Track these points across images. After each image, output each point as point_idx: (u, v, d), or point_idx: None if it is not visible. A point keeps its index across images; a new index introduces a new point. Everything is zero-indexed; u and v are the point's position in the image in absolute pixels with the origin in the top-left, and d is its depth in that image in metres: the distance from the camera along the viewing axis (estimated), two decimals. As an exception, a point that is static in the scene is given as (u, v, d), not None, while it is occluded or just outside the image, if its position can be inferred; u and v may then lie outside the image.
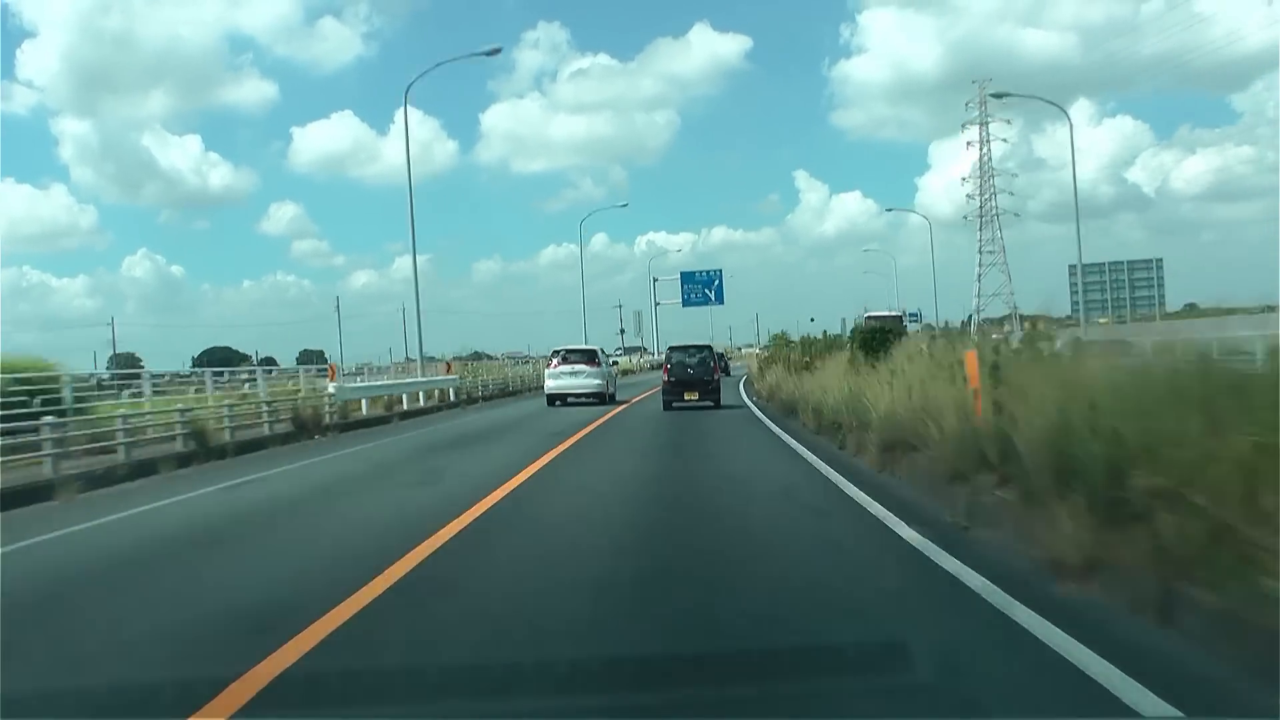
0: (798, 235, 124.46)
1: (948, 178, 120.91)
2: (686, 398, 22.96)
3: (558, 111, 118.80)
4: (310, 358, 31.35)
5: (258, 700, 3.64)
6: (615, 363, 33.21)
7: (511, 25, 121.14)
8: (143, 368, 21.25)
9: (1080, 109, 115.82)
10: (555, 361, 28.80)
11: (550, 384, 28.44)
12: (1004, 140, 78.58)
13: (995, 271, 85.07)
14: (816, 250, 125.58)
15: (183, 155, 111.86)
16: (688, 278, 62.53)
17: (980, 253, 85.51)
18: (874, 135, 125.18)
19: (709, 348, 25.44)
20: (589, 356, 28.91)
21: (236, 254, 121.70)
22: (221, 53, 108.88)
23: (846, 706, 3.52)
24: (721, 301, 62.36)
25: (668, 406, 22.82)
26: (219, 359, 55.61)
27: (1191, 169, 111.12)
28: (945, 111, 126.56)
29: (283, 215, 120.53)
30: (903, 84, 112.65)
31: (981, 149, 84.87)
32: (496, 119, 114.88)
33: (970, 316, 33.03)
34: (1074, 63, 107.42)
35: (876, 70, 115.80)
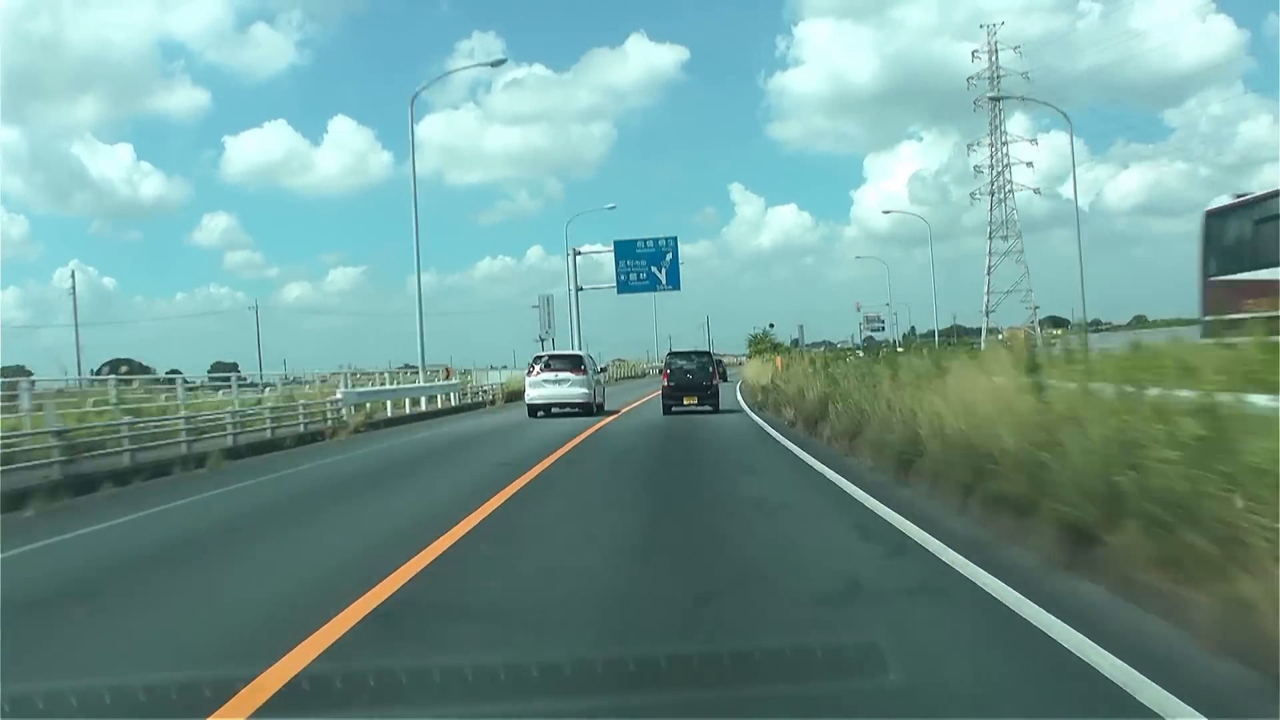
0: (733, 248, 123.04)
1: (883, 191, 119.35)
2: (685, 402, 23.54)
3: (493, 123, 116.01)
4: (224, 369, 27.63)
5: None
6: (603, 370, 29.34)
7: (446, 34, 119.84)
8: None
9: (1016, 123, 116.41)
10: (536, 369, 25.08)
11: (531, 393, 24.79)
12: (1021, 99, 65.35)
13: (1008, 265, 77.72)
14: (753, 263, 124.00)
15: (114, 164, 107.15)
16: (625, 250, 42.71)
17: (990, 238, 78.27)
18: (811, 148, 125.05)
19: (708, 354, 26.79)
20: (574, 363, 25.12)
21: (169, 265, 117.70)
22: (153, 58, 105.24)
23: None
24: (676, 285, 43.44)
25: (667, 411, 23.37)
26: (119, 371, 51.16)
27: (1125, 184, 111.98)
28: (882, 125, 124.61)
29: (215, 226, 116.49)
30: (840, 97, 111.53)
31: (994, 113, 77.61)
32: (431, 130, 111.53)
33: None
34: (1010, 77, 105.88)
35: (813, 82, 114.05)
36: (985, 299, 77.75)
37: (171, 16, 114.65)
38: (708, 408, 23.54)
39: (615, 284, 42.95)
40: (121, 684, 3.82)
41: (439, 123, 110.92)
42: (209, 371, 17.08)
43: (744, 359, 74.01)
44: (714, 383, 24.43)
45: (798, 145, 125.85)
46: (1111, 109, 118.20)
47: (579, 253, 44.15)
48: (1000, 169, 78.83)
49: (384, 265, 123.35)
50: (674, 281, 42.91)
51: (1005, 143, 79.14)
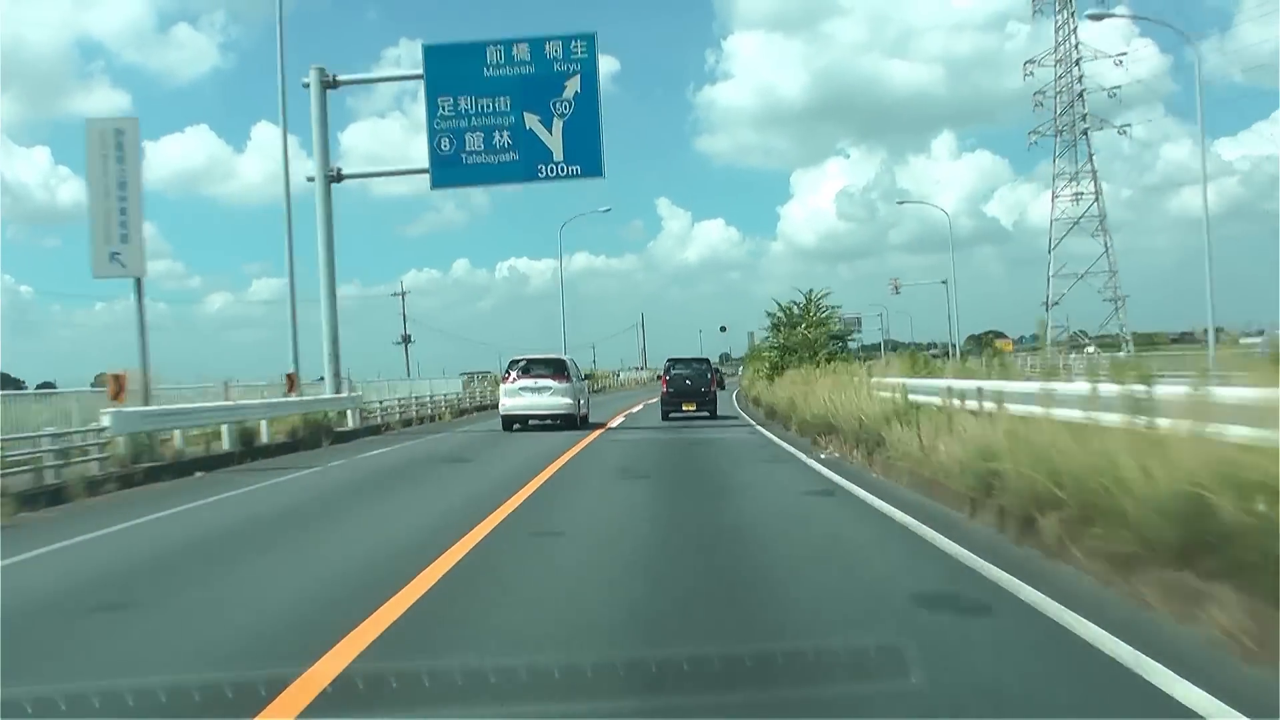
0: (660, 262, 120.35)
1: (810, 207, 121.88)
2: (684, 408, 24.22)
3: (420, 132, 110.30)
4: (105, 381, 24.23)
5: None
6: (588, 377, 26.67)
7: (373, 41, 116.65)
8: None
9: (943, 142, 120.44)
10: (513, 375, 22.35)
11: (506, 403, 22.13)
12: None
13: (1077, 240, 64.81)
14: (679, 277, 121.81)
15: (30, 168, 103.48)
16: (454, 66, 23.04)
17: (1055, 195, 66.07)
18: (740, 162, 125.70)
19: (706, 361, 27.09)
20: (556, 369, 22.42)
21: (89, 274, 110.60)
22: (71, 58, 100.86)
23: None
24: (596, 169, 22.94)
25: (666, 416, 24.25)
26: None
27: (1048, 203, 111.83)
28: (811, 140, 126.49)
29: None
30: (769, 110, 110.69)
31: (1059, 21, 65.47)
32: (357, 138, 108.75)
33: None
34: (940, 95, 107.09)
35: (742, 96, 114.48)
36: (1048, 287, 65.66)
37: (90, 15, 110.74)
38: (705, 414, 24.19)
39: (428, 159, 23.07)
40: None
41: (365, 131, 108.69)
42: (92, 385, 14.55)
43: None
44: (712, 390, 24.97)
45: (726, 159, 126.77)
46: (1039, 127, 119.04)
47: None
48: (1069, 69, 66.10)
49: (309, 276, 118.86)
50: (587, 159, 22.73)
51: (1076, 48, 66.17)
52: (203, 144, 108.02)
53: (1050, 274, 66.50)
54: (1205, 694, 3.45)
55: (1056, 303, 65.02)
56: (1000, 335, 58.24)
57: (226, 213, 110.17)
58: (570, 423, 21.75)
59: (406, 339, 66.86)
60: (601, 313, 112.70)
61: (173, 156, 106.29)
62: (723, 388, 54.77)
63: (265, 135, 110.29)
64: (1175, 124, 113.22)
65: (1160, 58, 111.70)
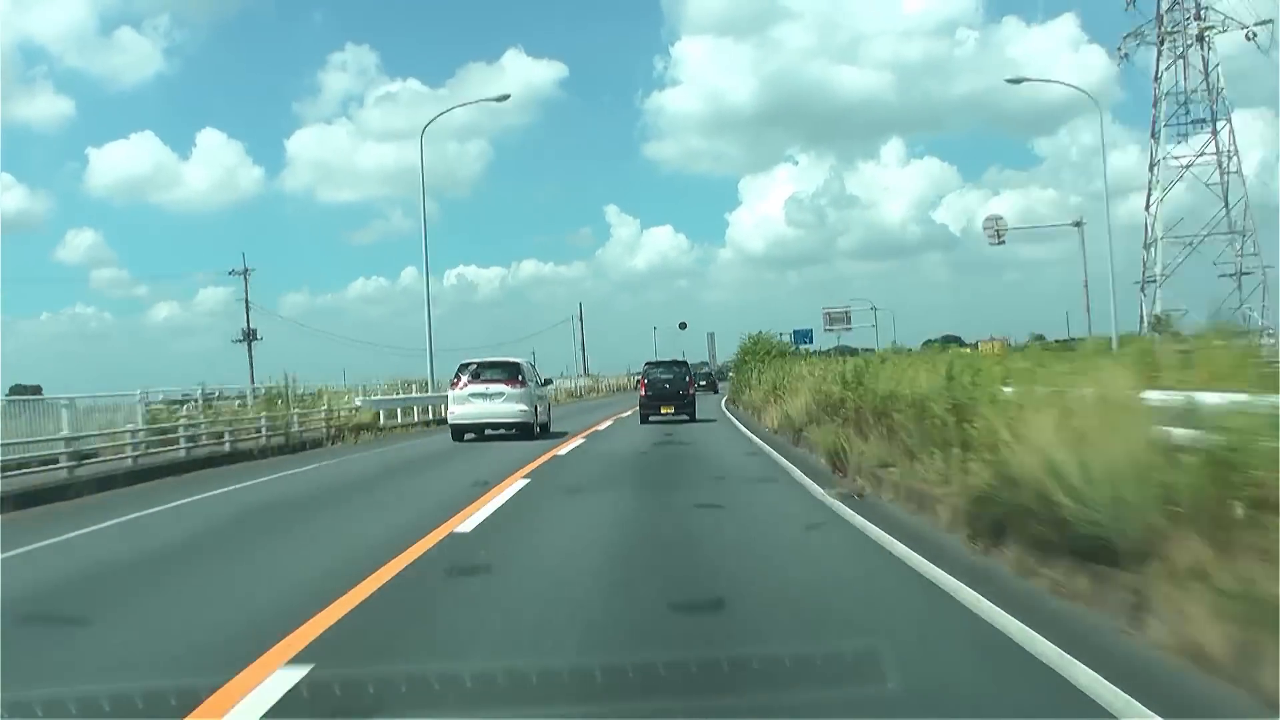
0: (609, 270, 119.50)
1: (759, 213, 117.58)
2: (663, 411, 23.88)
3: (366, 139, 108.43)
4: (23, 392, 22.40)
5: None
6: (548, 382, 24.66)
7: (319, 45, 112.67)
8: None
9: (892, 148, 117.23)
10: (463, 380, 20.31)
11: (455, 410, 20.13)
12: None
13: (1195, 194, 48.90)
14: (628, 285, 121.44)
15: None
16: None
17: (1156, 130, 49.69)
18: (688, 169, 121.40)
19: (685, 364, 27.75)
20: (510, 373, 20.41)
21: (33, 283, 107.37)
22: (13, 62, 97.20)
23: None
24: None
25: (644, 420, 23.84)
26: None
27: (997, 210, 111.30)
28: (759, 146, 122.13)
29: (80, 242, 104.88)
30: (718, 116, 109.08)
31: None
32: (303, 145, 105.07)
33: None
34: (889, 101, 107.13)
35: (691, 101, 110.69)
36: (1149, 258, 50.09)
37: (29, 17, 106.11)
38: (684, 416, 23.98)
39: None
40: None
41: (311, 137, 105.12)
42: (7, 395, 12.83)
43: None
44: (690, 392, 24.83)
45: (675, 165, 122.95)
46: (987, 135, 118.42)
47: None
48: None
49: (256, 284, 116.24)
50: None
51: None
52: (147, 151, 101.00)
53: (1152, 239, 50.52)
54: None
55: (1166, 276, 49.30)
56: (954, 340, 56.02)
57: (172, 220, 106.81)
58: (526, 432, 19.82)
59: (250, 335, 54.47)
60: (550, 320, 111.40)
61: (118, 163, 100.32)
62: (716, 391, 52.58)
63: (211, 142, 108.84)
64: (1122, 131, 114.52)
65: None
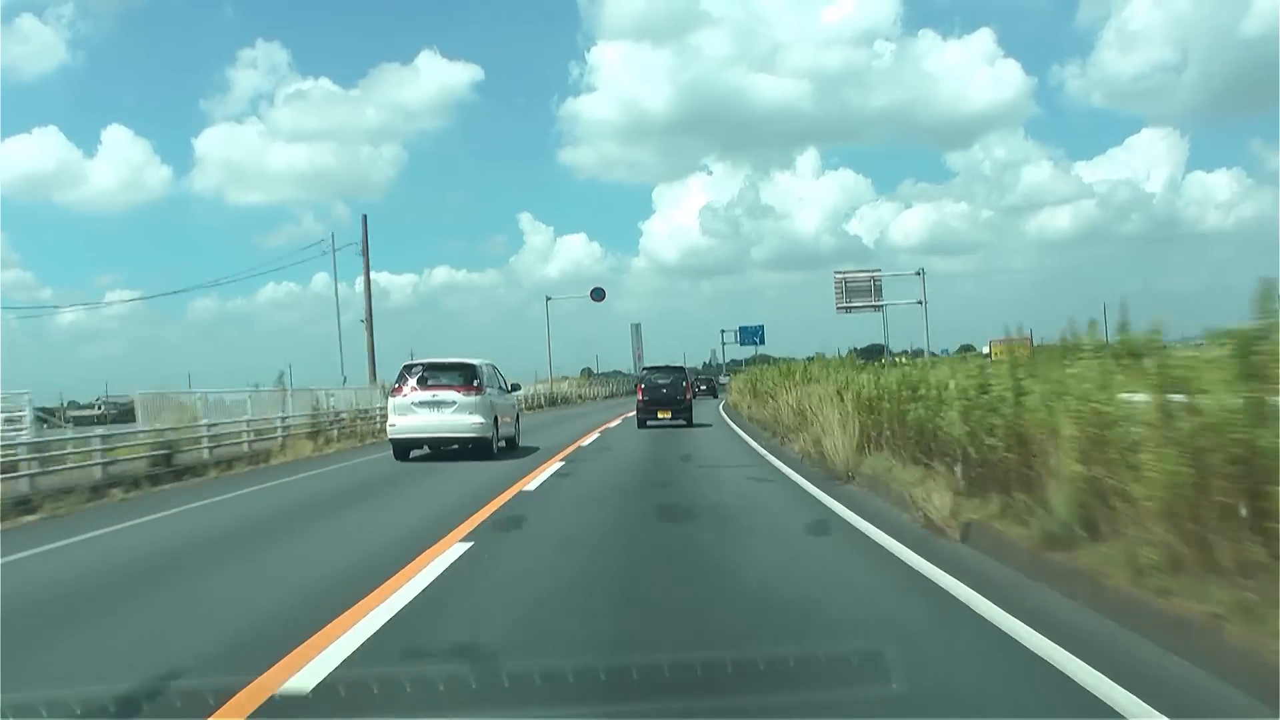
0: (522, 278, 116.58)
1: (673, 222, 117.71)
2: (660, 416, 23.95)
3: (276, 139, 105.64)
4: None
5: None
6: (515, 387, 20.87)
7: (229, 41, 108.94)
8: None
9: (808, 159, 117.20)
10: (408, 384, 16.45)
11: (397, 422, 16.30)
12: None
13: None
14: (541, 293, 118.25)
15: None
16: None
17: None
18: (604, 176, 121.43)
19: (682, 369, 27.98)
20: (464, 376, 16.55)
21: None
22: None
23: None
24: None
25: (642, 424, 24.00)
26: None
27: (910, 222, 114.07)
28: (674, 154, 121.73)
29: None
30: (633, 124, 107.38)
31: None
32: (211, 144, 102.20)
33: None
34: (806, 110, 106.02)
35: (607, 108, 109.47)
36: None
37: None
38: (681, 421, 23.97)
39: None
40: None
41: (220, 136, 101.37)
42: None
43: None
44: (687, 397, 24.82)
45: (590, 172, 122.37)
46: (903, 147, 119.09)
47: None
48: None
49: (164, 288, 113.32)
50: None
51: None
52: (51, 147, 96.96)
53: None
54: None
55: None
56: (878, 349, 53.61)
57: (77, 221, 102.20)
58: (483, 449, 16.08)
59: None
60: (464, 328, 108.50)
61: (19, 159, 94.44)
62: (715, 395, 53.27)
63: (117, 139, 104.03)
64: (1035, 146, 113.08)
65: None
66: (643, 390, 24.65)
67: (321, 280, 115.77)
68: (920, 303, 47.22)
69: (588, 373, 78.49)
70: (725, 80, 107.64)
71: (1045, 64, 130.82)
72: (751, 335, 79.83)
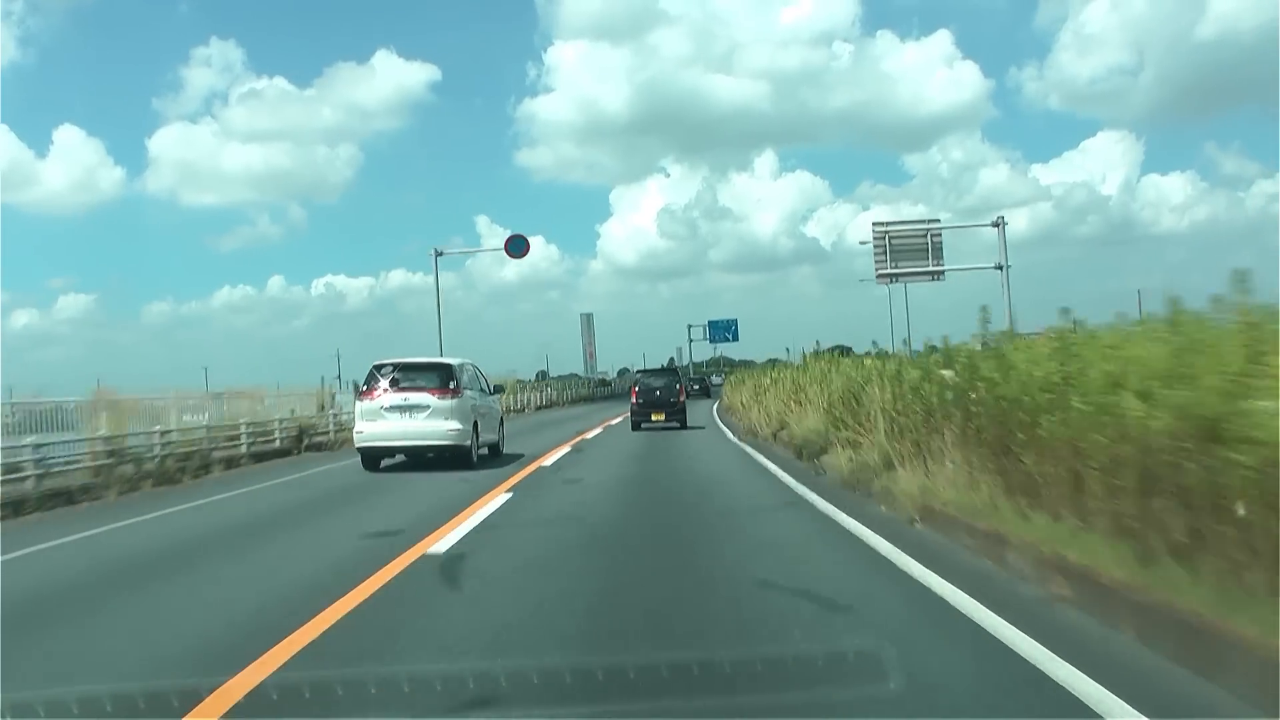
0: (479, 280, 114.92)
1: (630, 224, 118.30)
2: (654, 418, 23.95)
3: (231, 139, 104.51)
4: None
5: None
6: (499, 390, 19.25)
7: (183, 39, 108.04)
8: None
9: (765, 161, 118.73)
10: (380, 387, 14.84)
11: (365, 429, 14.79)
12: None
13: None
14: (498, 296, 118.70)
15: None
16: None
17: None
18: (561, 178, 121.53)
19: (675, 372, 29.50)
20: (440, 378, 14.97)
21: None
22: None
23: None
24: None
25: (636, 427, 23.84)
26: None
27: (867, 225, 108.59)
28: (632, 155, 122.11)
29: None
30: (591, 125, 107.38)
31: None
32: (165, 144, 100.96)
33: None
34: (764, 111, 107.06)
35: (564, 109, 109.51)
36: None
37: None
38: (675, 424, 23.94)
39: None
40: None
41: (173, 136, 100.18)
42: None
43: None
44: (681, 400, 24.88)
45: (548, 174, 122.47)
46: (860, 149, 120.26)
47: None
48: None
49: (118, 292, 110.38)
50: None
51: None
52: (2, 146, 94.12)
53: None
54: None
55: None
56: (845, 349, 51.19)
57: (28, 222, 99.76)
58: (461, 458, 14.50)
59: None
60: (421, 331, 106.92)
61: None
62: (709, 396, 51.01)
63: (68, 139, 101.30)
64: (992, 149, 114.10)
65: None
66: (637, 393, 25.05)
67: (278, 283, 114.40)
68: (1000, 267, 31.01)
69: (542, 376, 70.52)
70: (683, 80, 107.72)
71: (1003, 66, 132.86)
72: (723, 331, 74.57)
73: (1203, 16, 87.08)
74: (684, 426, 23.81)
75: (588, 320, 77.99)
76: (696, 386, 49.64)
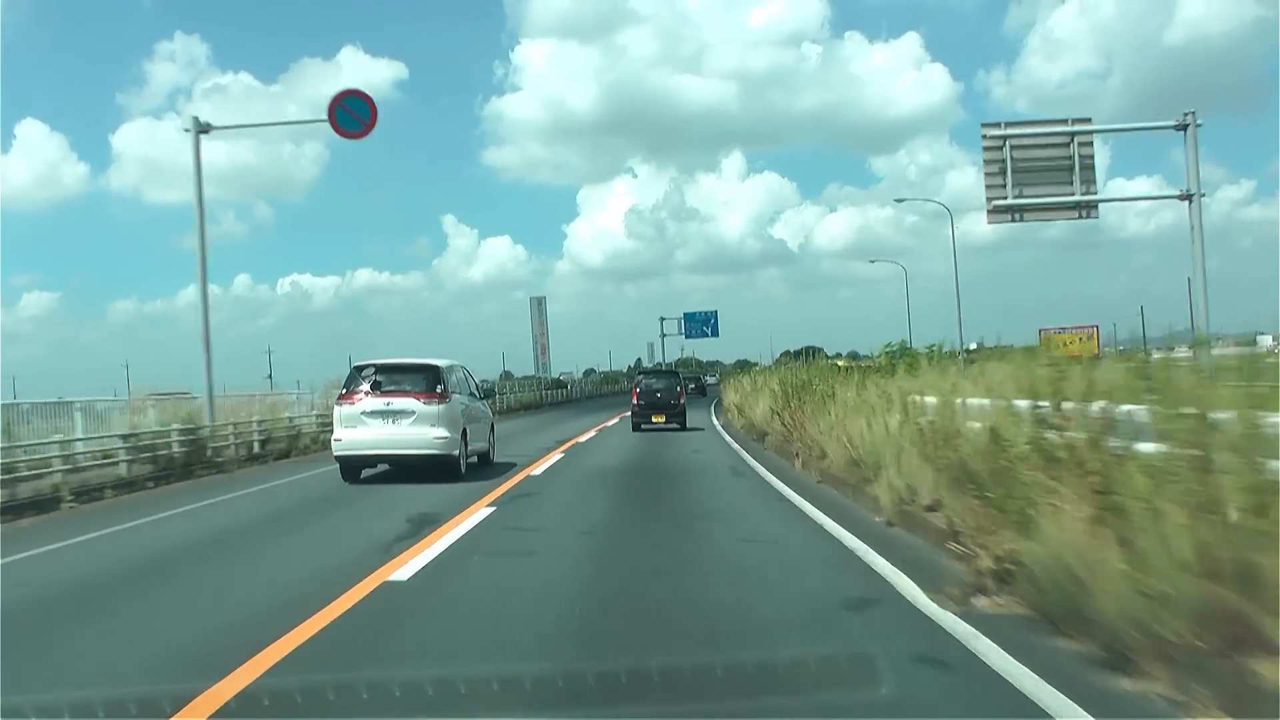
0: (445, 281, 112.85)
1: (597, 225, 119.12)
2: (654, 419, 24.28)
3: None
4: None
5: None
6: (489, 392, 17.90)
7: (147, 33, 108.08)
8: None
9: (733, 162, 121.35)
10: (359, 391, 13.59)
11: (344, 436, 13.68)
12: None
13: None
14: (464, 297, 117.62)
15: None
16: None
17: None
18: (529, 178, 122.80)
19: (676, 373, 30.29)
20: (425, 380, 13.76)
21: None
22: None
23: None
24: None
25: (636, 428, 24.15)
26: None
27: (834, 227, 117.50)
28: (599, 155, 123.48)
29: None
30: (558, 124, 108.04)
31: None
32: (129, 141, 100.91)
33: None
34: (732, 112, 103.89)
35: (531, 108, 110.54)
36: None
37: None
38: (675, 425, 24.22)
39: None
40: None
41: (137, 132, 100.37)
42: None
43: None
44: (681, 402, 25.16)
45: (515, 174, 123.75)
46: (828, 151, 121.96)
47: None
48: None
49: (83, 290, 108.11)
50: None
51: None
52: None
53: None
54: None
55: None
56: (816, 350, 50.58)
57: None
58: (448, 469, 13.27)
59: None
60: (387, 331, 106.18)
61: None
62: (704, 394, 53.04)
63: (31, 134, 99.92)
64: (960, 152, 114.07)
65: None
66: (637, 394, 25.44)
67: (244, 282, 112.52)
68: (1188, 197, 19.92)
69: (506, 377, 63.44)
70: (651, 81, 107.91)
71: (972, 70, 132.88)
72: (700, 325, 67.97)
73: (1171, 21, 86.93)
74: (684, 428, 24.18)
75: (539, 305, 65.24)
76: (692, 386, 48.91)
